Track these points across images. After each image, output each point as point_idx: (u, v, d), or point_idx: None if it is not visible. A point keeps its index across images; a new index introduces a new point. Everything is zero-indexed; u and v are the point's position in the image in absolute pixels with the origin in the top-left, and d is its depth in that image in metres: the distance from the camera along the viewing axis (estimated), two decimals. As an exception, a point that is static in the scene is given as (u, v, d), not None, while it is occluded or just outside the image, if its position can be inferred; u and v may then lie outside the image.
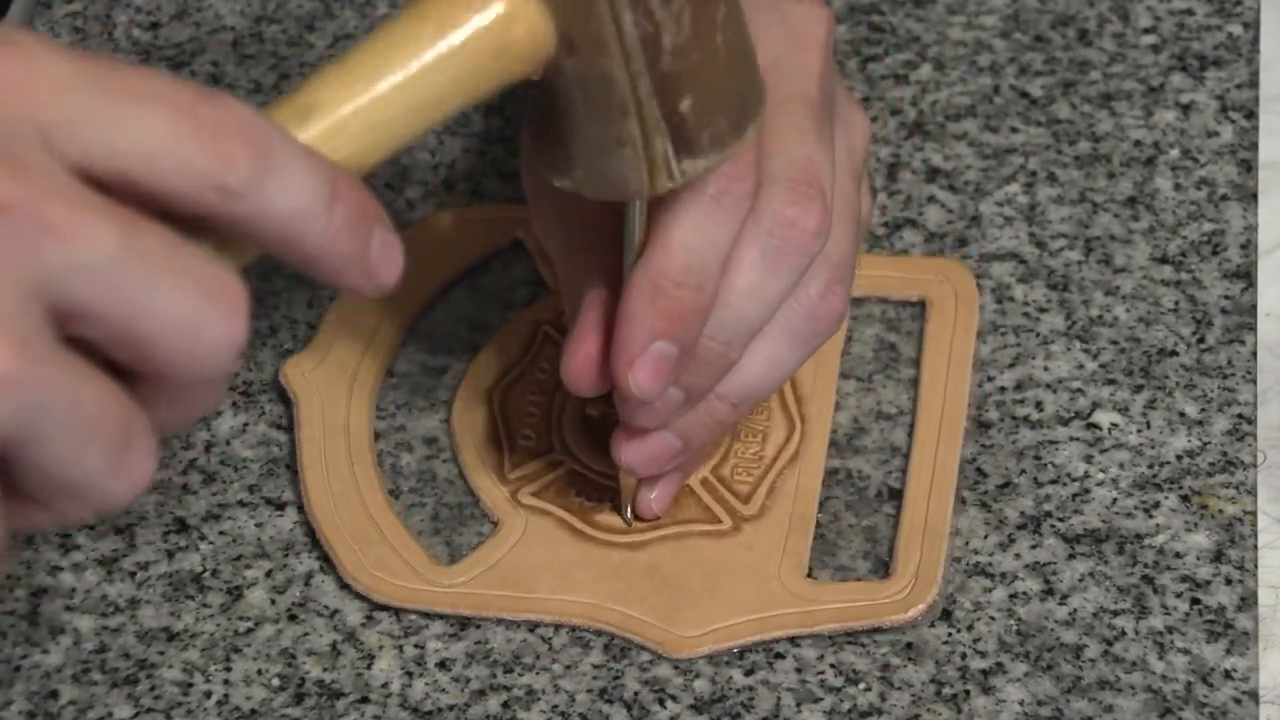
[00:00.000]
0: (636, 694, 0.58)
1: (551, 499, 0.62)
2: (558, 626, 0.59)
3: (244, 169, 0.43)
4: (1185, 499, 0.62)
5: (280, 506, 0.62)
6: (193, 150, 0.42)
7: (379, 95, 0.46)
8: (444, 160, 0.71)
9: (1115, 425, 0.63)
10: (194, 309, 0.42)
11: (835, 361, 0.64)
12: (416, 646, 0.59)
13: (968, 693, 0.58)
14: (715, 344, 0.56)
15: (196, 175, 0.42)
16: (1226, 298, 0.66)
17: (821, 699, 0.58)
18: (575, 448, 0.63)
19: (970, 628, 0.59)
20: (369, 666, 0.59)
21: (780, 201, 0.56)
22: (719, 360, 0.57)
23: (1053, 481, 0.62)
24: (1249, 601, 0.60)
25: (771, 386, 0.59)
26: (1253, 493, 0.62)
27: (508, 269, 0.68)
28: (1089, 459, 0.63)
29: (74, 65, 0.42)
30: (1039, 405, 0.64)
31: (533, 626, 0.59)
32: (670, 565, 0.60)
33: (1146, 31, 0.74)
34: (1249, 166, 0.70)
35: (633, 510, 0.61)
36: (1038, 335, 0.66)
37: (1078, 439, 0.63)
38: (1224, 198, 0.69)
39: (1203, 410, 0.64)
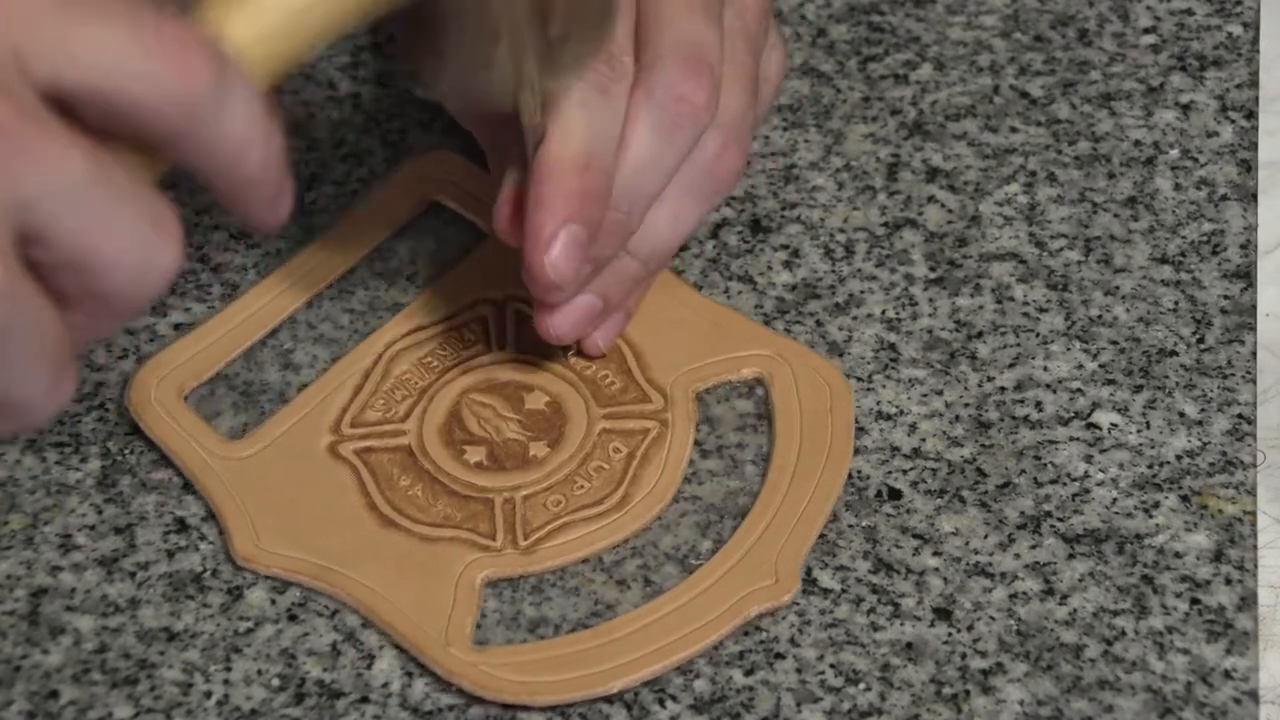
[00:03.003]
0: (637, 694, 0.58)
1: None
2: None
3: (207, 86, 0.45)
4: (1185, 499, 0.62)
5: (280, 506, 0.63)
6: (160, 66, 0.44)
7: (273, 22, 0.47)
8: (444, 160, 0.71)
9: (1115, 425, 0.64)
10: (145, 236, 0.45)
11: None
12: (416, 646, 0.59)
13: (968, 693, 0.58)
14: (617, 214, 0.60)
15: (164, 90, 0.44)
16: (1226, 298, 0.67)
17: (821, 699, 0.58)
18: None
19: (970, 628, 0.59)
20: (369, 666, 0.59)
21: (671, 77, 0.59)
22: (620, 229, 0.60)
23: (1053, 481, 0.62)
24: (1249, 601, 0.60)
25: (677, 242, 0.63)
26: (1253, 493, 0.62)
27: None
28: (1089, 459, 0.63)
29: None
30: (1039, 405, 0.64)
31: (533, 627, 0.59)
32: None
33: (1146, 31, 0.74)
34: (1249, 166, 0.70)
35: (578, 350, 0.64)
36: (1038, 335, 0.66)
37: (1078, 439, 0.63)
38: (1224, 198, 0.69)
39: (1202, 410, 0.64)
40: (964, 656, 0.59)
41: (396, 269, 0.68)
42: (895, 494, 0.62)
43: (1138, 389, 0.64)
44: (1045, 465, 0.63)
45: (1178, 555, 0.61)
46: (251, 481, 0.62)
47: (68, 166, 0.43)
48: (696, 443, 0.63)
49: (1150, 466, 0.63)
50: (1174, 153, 0.71)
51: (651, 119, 0.60)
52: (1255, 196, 0.69)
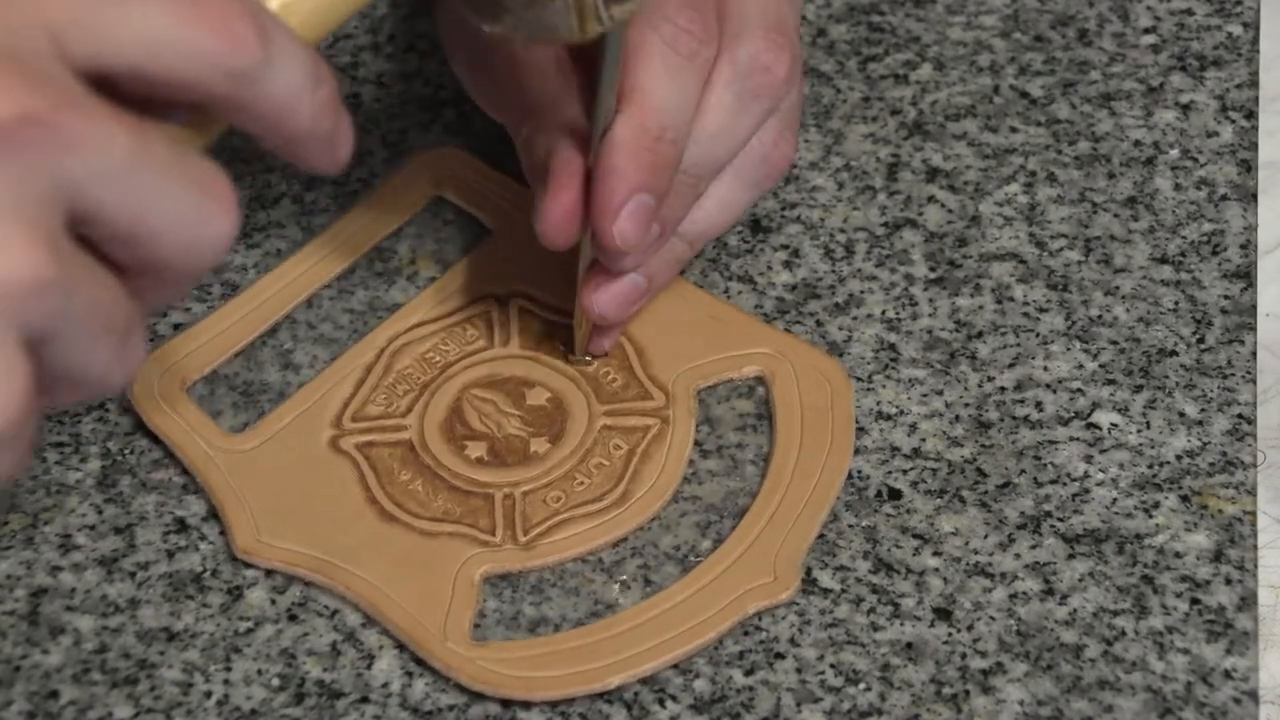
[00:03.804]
0: (636, 694, 0.58)
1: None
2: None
3: (253, 53, 0.44)
4: (1185, 499, 0.62)
5: (280, 506, 0.62)
6: (203, 37, 0.44)
7: None
8: (444, 160, 0.71)
9: (1115, 425, 0.64)
10: (196, 206, 0.44)
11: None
12: (416, 646, 0.59)
13: (968, 693, 0.58)
14: (688, 178, 0.60)
15: (208, 62, 0.44)
16: (1226, 298, 0.67)
17: (821, 699, 0.58)
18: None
19: (970, 628, 0.59)
20: (369, 666, 0.59)
21: (756, 48, 0.60)
22: (690, 193, 0.61)
23: (1053, 481, 0.62)
24: (1249, 601, 0.60)
25: (725, 226, 0.63)
26: (1253, 493, 0.62)
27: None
28: (1089, 459, 0.63)
29: None
30: (1039, 405, 0.64)
31: (532, 626, 0.59)
32: None
33: (1146, 31, 0.74)
34: (1249, 166, 0.70)
35: (587, 350, 0.65)
36: (1038, 335, 0.66)
37: (1078, 439, 0.63)
38: (1224, 198, 0.69)
39: (1203, 410, 0.64)
40: (964, 656, 0.59)
41: (397, 267, 0.68)
42: (895, 494, 0.62)
43: (1138, 389, 0.64)
44: (1045, 465, 0.63)
45: (1178, 555, 0.61)
46: (252, 475, 0.62)
47: (111, 149, 0.43)
48: (697, 443, 0.63)
49: (1150, 466, 0.63)
50: (1174, 153, 0.71)
51: (733, 88, 0.60)
52: (1255, 196, 0.69)
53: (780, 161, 0.62)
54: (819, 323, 0.66)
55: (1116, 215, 0.69)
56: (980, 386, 0.65)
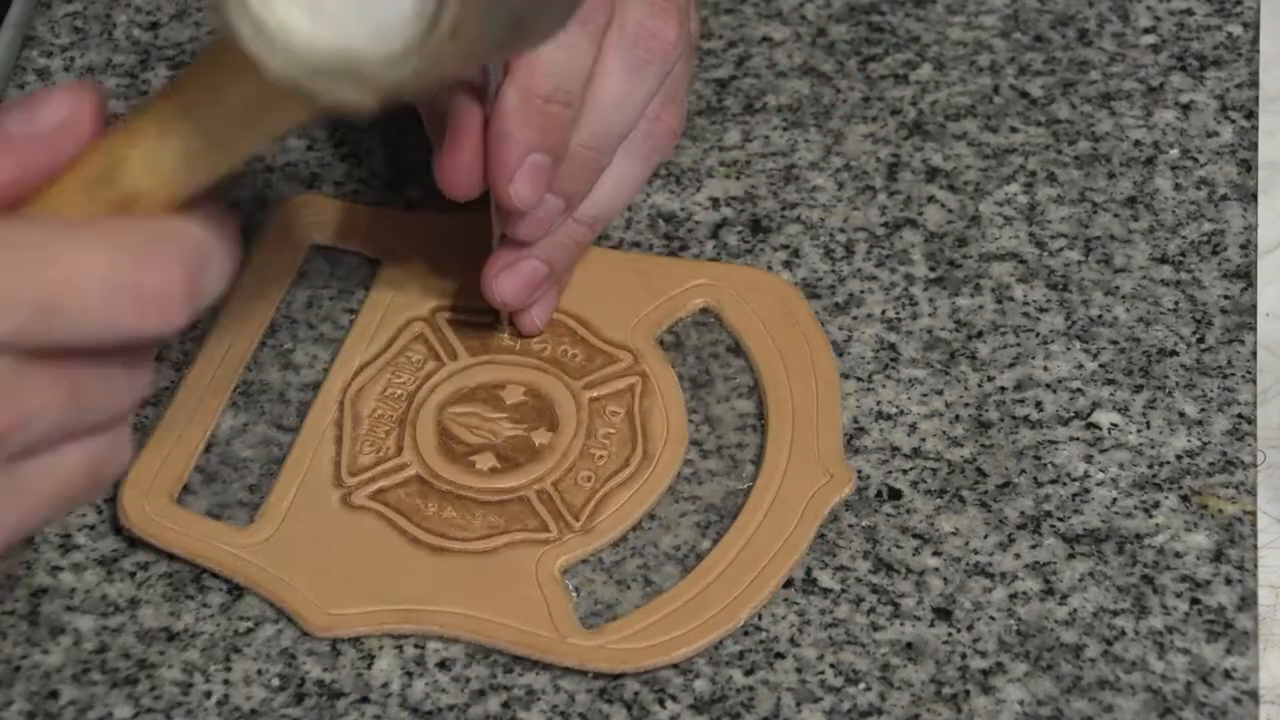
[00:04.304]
0: (636, 694, 0.58)
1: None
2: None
3: (177, 318, 0.45)
4: (1185, 499, 0.62)
5: (280, 506, 0.62)
6: (132, 320, 0.44)
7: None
8: (444, 160, 0.71)
9: (1115, 425, 0.64)
10: (108, 457, 0.47)
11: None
12: (416, 646, 0.59)
13: (968, 693, 0.58)
14: (589, 151, 0.61)
15: (133, 334, 0.45)
16: (1226, 298, 0.67)
17: (821, 699, 0.58)
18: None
19: (970, 628, 0.59)
20: (369, 666, 0.59)
21: (643, 14, 0.61)
22: (594, 165, 0.62)
23: (1053, 481, 0.62)
24: (1249, 601, 0.60)
25: (620, 205, 0.64)
26: (1253, 493, 0.62)
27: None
28: (1089, 459, 0.63)
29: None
30: (1039, 405, 0.64)
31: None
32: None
33: (1146, 31, 0.74)
34: (1249, 166, 0.70)
35: (514, 327, 0.65)
36: (1038, 335, 0.66)
37: (1077, 439, 0.63)
38: (1224, 198, 0.69)
39: (1203, 410, 0.64)
40: (964, 656, 0.59)
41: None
42: (895, 494, 0.62)
43: (1138, 389, 0.64)
44: (1045, 465, 0.63)
45: (1178, 555, 0.61)
46: (287, 559, 0.60)
47: (45, 412, 0.45)
48: (696, 443, 0.63)
49: (1150, 466, 0.63)
50: (1174, 153, 0.71)
51: (623, 56, 0.61)
52: (1255, 196, 0.69)
53: (664, 135, 0.63)
54: (819, 323, 0.66)
55: (1116, 215, 0.69)
56: (980, 386, 0.65)
